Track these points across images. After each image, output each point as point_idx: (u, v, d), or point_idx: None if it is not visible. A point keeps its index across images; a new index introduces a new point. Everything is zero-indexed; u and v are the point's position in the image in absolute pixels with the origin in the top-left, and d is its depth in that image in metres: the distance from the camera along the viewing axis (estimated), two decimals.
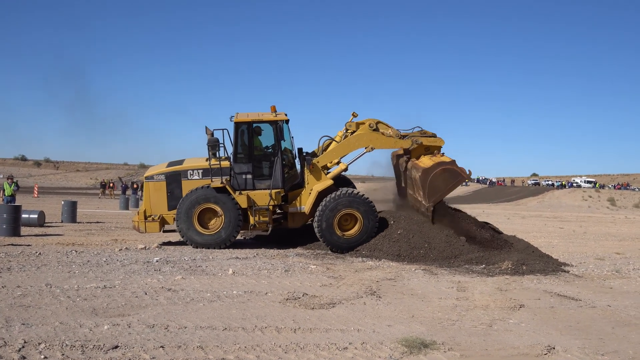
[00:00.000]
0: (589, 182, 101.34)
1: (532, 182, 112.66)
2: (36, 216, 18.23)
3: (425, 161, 13.92)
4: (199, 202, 13.35)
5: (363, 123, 14.44)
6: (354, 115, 14.41)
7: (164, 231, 14.85)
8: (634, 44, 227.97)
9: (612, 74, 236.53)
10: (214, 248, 13.33)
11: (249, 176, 13.74)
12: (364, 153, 14.35)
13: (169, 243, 14.25)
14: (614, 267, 12.99)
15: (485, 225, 14.51)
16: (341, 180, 15.20)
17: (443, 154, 14.18)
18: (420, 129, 14.83)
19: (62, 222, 20.31)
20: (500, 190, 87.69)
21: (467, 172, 13.51)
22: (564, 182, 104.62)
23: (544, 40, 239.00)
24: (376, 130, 14.33)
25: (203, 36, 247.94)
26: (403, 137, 14.46)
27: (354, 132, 14.39)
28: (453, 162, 13.54)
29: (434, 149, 14.33)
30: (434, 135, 14.60)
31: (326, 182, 13.95)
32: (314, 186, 13.90)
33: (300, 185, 14.16)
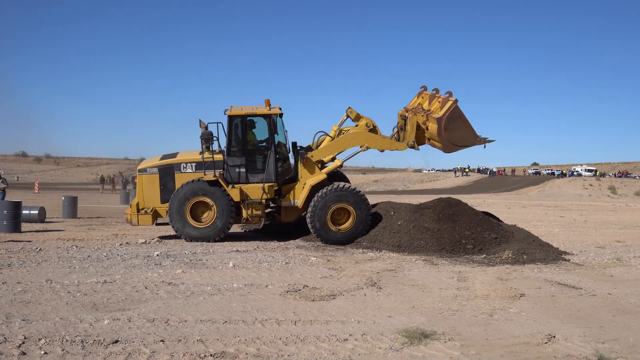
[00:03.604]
0: (589, 170, 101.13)
1: (533, 171, 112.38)
2: (37, 212, 18.23)
3: (434, 136, 14.00)
4: (188, 198, 13.34)
5: (362, 117, 14.44)
6: (350, 110, 14.41)
7: (157, 224, 14.83)
8: (635, 33, 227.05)
9: (612, 63, 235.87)
10: (213, 240, 13.35)
11: (242, 170, 13.73)
12: (359, 152, 14.40)
13: (170, 237, 14.25)
14: (615, 255, 12.99)
15: (486, 215, 14.50)
16: (336, 176, 15.16)
17: (427, 116, 14.07)
18: (396, 126, 14.89)
19: (62, 217, 20.32)
20: (500, 180, 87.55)
21: (448, 96, 13.69)
22: (564, 171, 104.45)
23: (543, 30, 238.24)
24: (372, 130, 14.34)
25: (200, 32, 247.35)
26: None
27: (355, 123, 14.42)
28: (441, 116, 13.53)
29: (420, 125, 14.34)
30: (406, 113, 14.58)
31: (319, 176, 13.91)
32: (307, 180, 13.88)
33: (294, 179, 14.15)
